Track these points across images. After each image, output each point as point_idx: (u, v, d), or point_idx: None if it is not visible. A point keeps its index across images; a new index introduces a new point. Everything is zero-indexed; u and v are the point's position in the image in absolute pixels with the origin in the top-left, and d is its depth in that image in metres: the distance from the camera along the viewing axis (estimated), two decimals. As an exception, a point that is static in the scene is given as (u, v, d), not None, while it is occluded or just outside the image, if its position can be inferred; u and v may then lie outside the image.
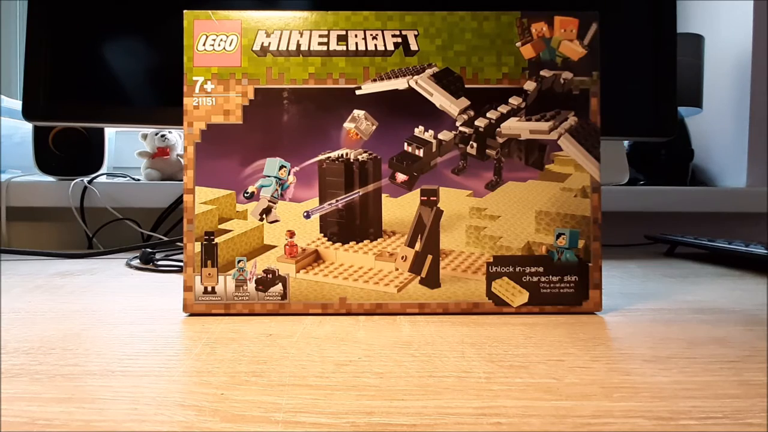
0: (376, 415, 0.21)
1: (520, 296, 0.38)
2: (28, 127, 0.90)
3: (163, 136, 0.90)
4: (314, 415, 0.21)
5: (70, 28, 0.63)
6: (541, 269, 0.38)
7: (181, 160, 0.91)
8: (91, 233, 0.85)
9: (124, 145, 1.02)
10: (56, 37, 0.63)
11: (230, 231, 0.38)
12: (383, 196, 0.38)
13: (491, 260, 0.38)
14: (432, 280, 0.38)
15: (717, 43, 1.07)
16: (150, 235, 0.83)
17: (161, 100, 0.64)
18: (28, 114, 0.63)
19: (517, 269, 0.38)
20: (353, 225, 0.38)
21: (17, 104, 0.97)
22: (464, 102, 0.38)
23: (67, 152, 0.86)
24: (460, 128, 0.38)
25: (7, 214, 0.86)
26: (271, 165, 0.38)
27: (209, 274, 0.37)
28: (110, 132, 0.94)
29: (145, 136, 0.91)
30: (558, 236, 0.38)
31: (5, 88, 1.08)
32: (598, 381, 0.25)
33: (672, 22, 0.68)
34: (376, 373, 0.26)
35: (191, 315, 0.37)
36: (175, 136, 0.91)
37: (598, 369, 0.26)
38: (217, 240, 0.37)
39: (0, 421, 0.20)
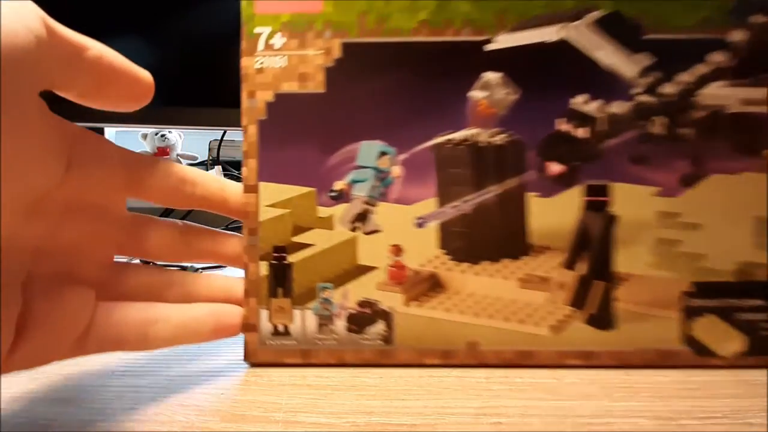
0: (376, 415, 0.21)
1: (733, 342, 0.26)
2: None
3: (163, 136, 0.87)
4: (314, 415, 0.21)
5: (70, 28, 0.60)
6: (763, 303, 0.26)
7: (182, 160, 0.87)
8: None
9: (124, 145, 0.99)
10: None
11: (310, 246, 0.26)
12: (530, 195, 0.26)
13: (690, 289, 0.26)
14: (602, 318, 0.26)
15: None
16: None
17: (161, 100, 0.60)
18: (27, 114, 0.59)
19: (729, 303, 0.26)
20: (487, 237, 0.26)
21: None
22: (644, 59, 0.26)
23: (67, 152, 0.81)
24: (640, 97, 0.26)
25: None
26: (368, 152, 0.26)
27: (280, 307, 0.26)
28: (110, 132, 0.92)
29: (145, 136, 0.89)
30: (787, 254, 0.26)
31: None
32: None
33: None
34: None
35: (255, 366, 0.26)
36: (175, 135, 0.89)
37: None
38: (291, 259, 0.26)
39: (0, 421, 0.19)
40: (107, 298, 0.22)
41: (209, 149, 0.84)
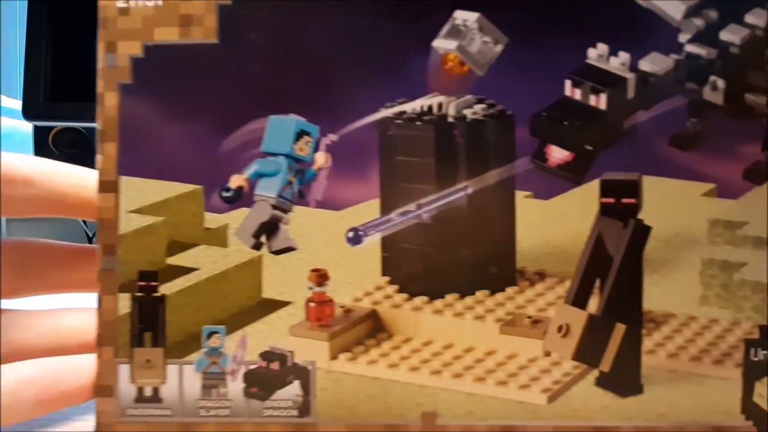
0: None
1: (820, 415, 0.18)
2: (28, 127, 0.92)
3: (162, 135, 0.90)
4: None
5: (70, 28, 0.64)
6: None
7: None
8: (91, 233, 0.80)
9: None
10: (56, 37, 0.64)
11: (193, 271, 0.18)
12: (520, 195, 0.18)
13: (753, 335, 0.18)
14: (624, 378, 0.18)
15: None
16: (149, 234, 0.80)
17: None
18: (28, 114, 0.65)
19: (814, 357, 0.18)
20: (454, 258, 0.18)
21: (17, 104, 0.98)
22: (696, -10, 0.18)
23: (67, 152, 0.84)
24: (689, 48, 0.18)
25: (8, 214, 0.81)
26: (279, 131, 0.18)
27: (148, 360, 0.18)
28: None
29: (144, 136, 0.90)
30: None
31: (5, 88, 1.05)
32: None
33: None
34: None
35: (112, 445, 0.18)
36: (175, 135, 0.91)
37: None
38: (164, 290, 0.18)
39: (0, 420, 0.17)
40: None
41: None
